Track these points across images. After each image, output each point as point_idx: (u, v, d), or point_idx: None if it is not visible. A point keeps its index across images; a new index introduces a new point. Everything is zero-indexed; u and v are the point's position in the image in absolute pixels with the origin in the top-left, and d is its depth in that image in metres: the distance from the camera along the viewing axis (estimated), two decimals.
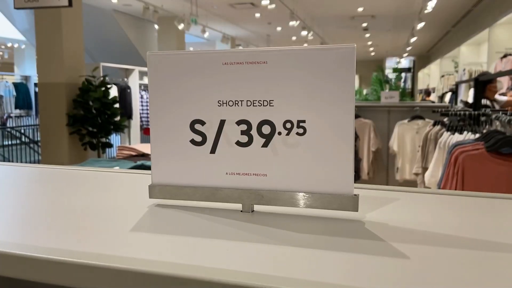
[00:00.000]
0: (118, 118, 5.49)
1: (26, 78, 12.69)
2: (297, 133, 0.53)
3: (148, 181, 0.59)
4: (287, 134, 0.53)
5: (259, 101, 0.54)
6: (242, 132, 0.55)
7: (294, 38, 13.93)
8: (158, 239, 0.47)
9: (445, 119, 3.31)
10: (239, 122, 0.55)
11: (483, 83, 4.21)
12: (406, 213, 0.56)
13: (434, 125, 3.42)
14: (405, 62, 19.25)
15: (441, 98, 9.22)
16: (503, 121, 2.36)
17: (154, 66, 0.57)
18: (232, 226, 0.51)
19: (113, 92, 6.27)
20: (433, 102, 8.28)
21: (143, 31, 10.60)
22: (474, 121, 2.89)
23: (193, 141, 0.56)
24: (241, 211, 0.56)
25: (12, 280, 0.54)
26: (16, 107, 11.50)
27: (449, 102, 7.07)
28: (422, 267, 0.39)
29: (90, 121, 5.10)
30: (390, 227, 0.50)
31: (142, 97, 7.57)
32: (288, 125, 0.53)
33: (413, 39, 11.86)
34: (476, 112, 2.93)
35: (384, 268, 0.38)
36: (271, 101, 0.53)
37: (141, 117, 7.59)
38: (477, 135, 2.58)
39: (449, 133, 2.98)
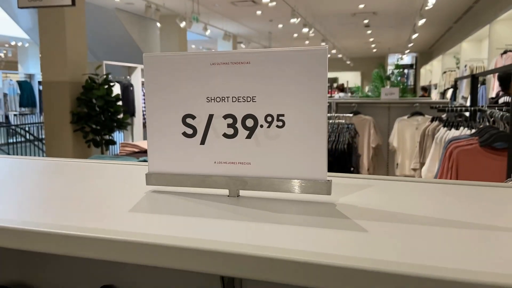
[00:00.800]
0: (121, 116, 5.57)
1: (30, 76, 12.81)
2: (277, 126, 0.59)
3: (146, 171, 0.66)
4: (268, 127, 0.59)
5: (243, 97, 0.60)
6: (228, 125, 0.61)
7: (295, 35, 13.97)
8: (153, 218, 0.53)
9: (443, 115, 3.36)
10: (225, 116, 0.61)
11: (507, 80, 4.24)
12: (375, 197, 0.63)
13: (432, 121, 3.47)
14: (407, 59, 19.25)
15: (443, 94, 9.26)
16: (497, 116, 2.42)
17: (150, 66, 0.64)
18: (219, 208, 0.57)
19: (116, 90, 6.34)
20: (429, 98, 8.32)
21: (145, 29, 10.68)
22: (471, 116, 2.95)
23: (185, 134, 0.63)
24: (228, 196, 0.63)
25: (25, 252, 0.61)
26: (20, 105, 11.62)
27: (450, 98, 7.11)
28: (377, 238, 0.45)
29: (93, 118, 5.18)
30: (357, 208, 0.56)
31: (144, 94, 7.64)
32: (269, 119, 0.59)
33: (414, 36, 11.87)
34: (472, 108, 2.98)
35: (345, 239, 0.45)
36: (253, 97, 0.60)
37: (143, 115, 7.67)
38: (473, 131, 2.64)
39: (445, 128, 3.03)
